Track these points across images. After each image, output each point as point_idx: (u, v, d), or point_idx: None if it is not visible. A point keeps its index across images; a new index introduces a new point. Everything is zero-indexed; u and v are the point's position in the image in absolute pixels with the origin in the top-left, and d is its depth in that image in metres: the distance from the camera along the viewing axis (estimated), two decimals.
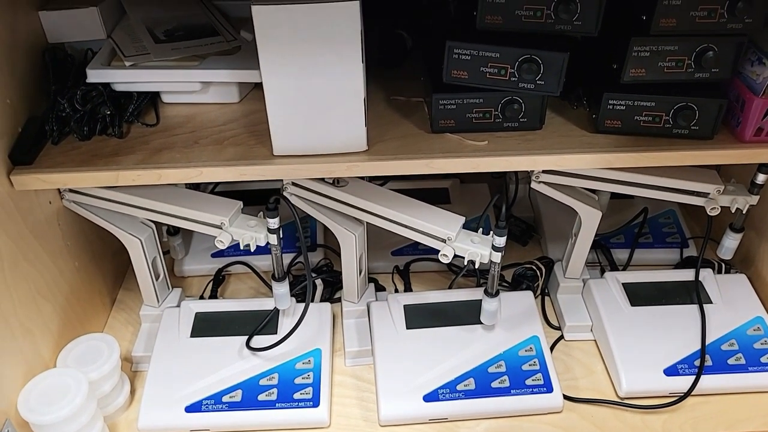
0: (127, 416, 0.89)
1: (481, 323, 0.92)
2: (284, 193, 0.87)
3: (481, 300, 0.90)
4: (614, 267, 1.09)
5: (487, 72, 0.76)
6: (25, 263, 0.81)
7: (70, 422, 0.77)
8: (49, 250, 0.87)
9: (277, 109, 0.73)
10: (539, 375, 0.88)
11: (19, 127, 0.80)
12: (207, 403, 0.86)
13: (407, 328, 0.94)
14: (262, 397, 0.86)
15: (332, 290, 1.06)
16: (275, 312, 0.95)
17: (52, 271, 0.87)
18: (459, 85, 0.78)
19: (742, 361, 0.90)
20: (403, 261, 1.10)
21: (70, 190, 0.87)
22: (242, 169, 0.77)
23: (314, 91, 0.72)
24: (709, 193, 0.87)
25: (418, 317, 0.95)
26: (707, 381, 0.88)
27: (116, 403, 0.87)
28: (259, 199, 0.98)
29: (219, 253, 1.11)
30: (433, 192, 1.20)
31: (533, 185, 0.88)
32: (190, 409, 0.85)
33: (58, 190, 0.88)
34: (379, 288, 1.06)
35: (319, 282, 1.04)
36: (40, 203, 0.85)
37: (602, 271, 1.03)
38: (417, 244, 1.11)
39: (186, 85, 0.84)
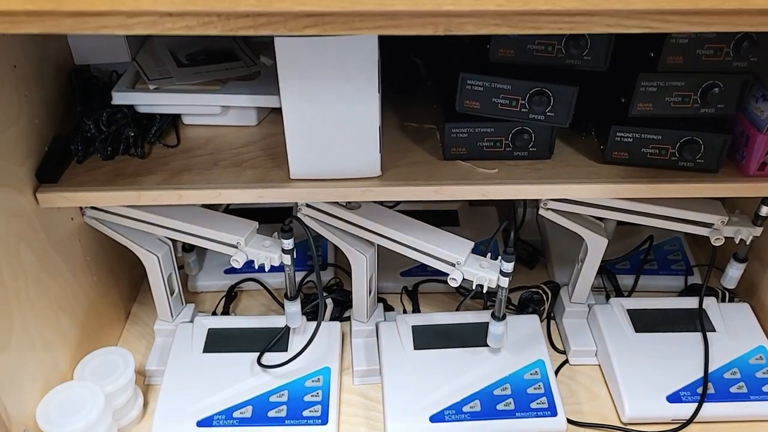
0: (140, 429, 0.91)
1: (488, 346, 0.94)
2: (298, 215, 0.90)
3: (487, 322, 0.92)
4: (619, 292, 1.10)
5: (499, 103, 0.79)
6: (46, 277, 0.83)
7: None
8: (70, 264, 0.89)
9: (296, 135, 0.76)
10: (544, 399, 0.90)
11: (45, 146, 0.82)
12: (218, 418, 0.87)
13: (415, 348, 0.96)
14: (271, 413, 0.88)
15: (342, 309, 1.08)
16: (286, 330, 0.96)
17: (72, 285, 0.90)
18: (471, 114, 0.80)
19: (744, 390, 0.91)
20: (411, 282, 1.12)
21: (92, 207, 0.90)
22: (260, 191, 0.79)
23: (332, 118, 0.74)
24: (713, 224, 0.89)
25: (425, 338, 0.97)
26: (709, 409, 0.89)
27: (130, 416, 0.89)
28: (271, 217, 1.01)
29: (232, 270, 1.13)
30: (442, 214, 1.21)
31: (541, 212, 0.90)
32: (201, 423, 0.87)
33: (80, 207, 0.90)
34: (388, 308, 1.07)
35: (329, 301, 1.06)
36: (63, 220, 0.87)
37: (607, 297, 1.05)
38: (426, 265, 1.14)
39: (207, 109, 0.87)
